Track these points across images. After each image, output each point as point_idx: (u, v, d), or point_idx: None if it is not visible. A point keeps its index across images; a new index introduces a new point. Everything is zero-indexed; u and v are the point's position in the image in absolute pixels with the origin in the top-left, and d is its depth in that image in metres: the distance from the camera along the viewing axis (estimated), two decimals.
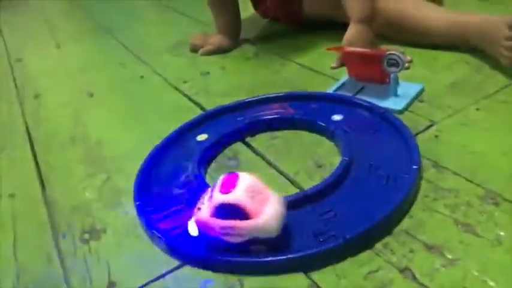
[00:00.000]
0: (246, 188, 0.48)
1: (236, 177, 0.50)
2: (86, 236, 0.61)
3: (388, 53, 0.72)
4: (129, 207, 0.64)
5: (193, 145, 0.74)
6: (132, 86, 1.08)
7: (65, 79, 1.21)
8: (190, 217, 0.53)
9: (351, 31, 0.87)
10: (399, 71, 0.72)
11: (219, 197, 0.49)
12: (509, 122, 0.67)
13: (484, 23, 0.80)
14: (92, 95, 1.06)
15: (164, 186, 0.67)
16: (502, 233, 0.49)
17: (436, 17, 0.89)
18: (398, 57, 0.70)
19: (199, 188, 0.62)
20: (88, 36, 1.58)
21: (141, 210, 0.61)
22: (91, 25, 1.71)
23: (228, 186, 0.49)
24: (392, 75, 0.73)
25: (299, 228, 0.53)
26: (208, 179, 0.68)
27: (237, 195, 0.48)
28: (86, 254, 0.58)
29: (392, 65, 0.72)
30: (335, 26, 0.99)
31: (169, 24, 1.54)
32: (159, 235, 0.56)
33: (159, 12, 1.73)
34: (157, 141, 0.75)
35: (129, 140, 0.84)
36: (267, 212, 0.48)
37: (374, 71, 0.74)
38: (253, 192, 0.49)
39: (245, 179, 0.49)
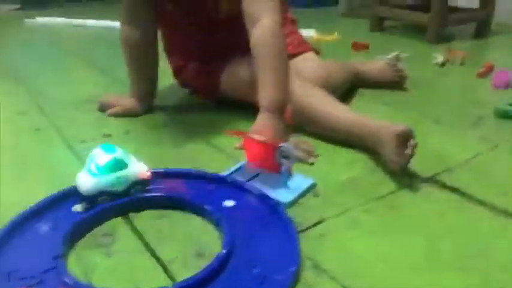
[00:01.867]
0: None
1: None
2: None
3: (280, 145, 0.71)
4: None
5: (66, 216, 0.66)
6: (24, 138, 0.99)
7: None
8: None
9: (260, 119, 0.86)
10: (291, 164, 0.72)
11: None
12: (392, 228, 0.68)
13: (378, 129, 0.83)
14: None
15: (19, 260, 0.58)
16: None
17: (340, 116, 0.92)
18: (290, 150, 0.70)
19: (55, 268, 0.54)
20: None
21: None
22: (1, 67, 1.60)
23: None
24: (283, 167, 0.73)
25: None
26: (73, 257, 0.60)
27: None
28: None
29: (285, 157, 0.72)
30: (251, 106, 0.99)
31: (86, 78, 1.48)
32: None
33: (78, 65, 1.67)
34: (32, 202, 0.67)
35: (3, 195, 0.75)
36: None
37: (268, 160, 0.73)
38: None
39: None
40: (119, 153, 0.71)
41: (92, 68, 1.59)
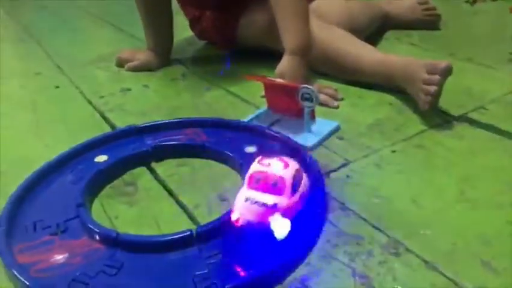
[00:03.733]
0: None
1: None
2: None
3: (302, 86, 0.68)
4: None
5: (88, 166, 0.66)
6: (44, 96, 0.99)
7: None
8: (60, 250, 0.49)
9: (283, 63, 0.83)
10: (313, 106, 0.69)
11: None
12: (422, 168, 0.65)
13: (408, 66, 0.79)
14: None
15: (43, 210, 0.58)
16: None
17: (365, 56, 0.88)
18: (312, 91, 0.67)
19: (78, 216, 0.54)
20: (13, 41, 1.46)
21: (4, 237, 0.52)
22: (20, 30, 1.59)
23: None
24: (306, 110, 0.70)
25: (181, 272, 0.47)
26: (96, 206, 0.60)
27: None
28: None
29: (306, 99, 0.69)
30: (271, 54, 0.96)
31: (102, 37, 1.46)
32: (15, 271, 0.47)
33: (94, 24, 1.65)
34: (55, 155, 0.67)
35: (27, 150, 0.75)
36: None
37: (289, 103, 0.71)
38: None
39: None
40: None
41: (107, 26, 1.57)
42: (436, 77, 0.71)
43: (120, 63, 1.11)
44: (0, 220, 0.55)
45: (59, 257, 0.50)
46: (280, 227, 0.50)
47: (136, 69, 1.08)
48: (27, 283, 0.46)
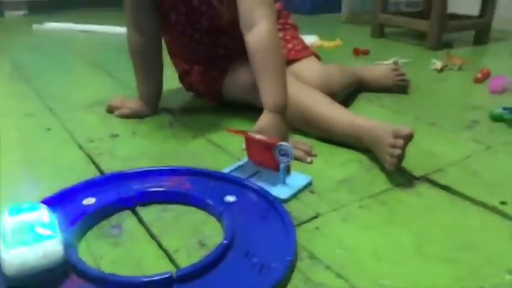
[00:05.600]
0: None
1: None
2: None
3: (278, 143, 0.75)
4: None
5: (77, 208, 0.71)
6: (35, 138, 1.04)
7: None
8: None
9: (263, 120, 0.91)
10: (288, 161, 0.76)
11: None
12: (384, 223, 0.71)
13: (375, 129, 0.87)
14: None
15: None
16: None
17: (338, 118, 0.96)
18: (288, 148, 0.74)
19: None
20: (4, 82, 1.52)
21: None
22: (12, 71, 1.65)
23: None
24: (282, 165, 0.77)
25: None
26: (83, 247, 0.64)
27: None
28: None
29: (283, 155, 0.76)
30: (253, 109, 1.03)
31: (93, 81, 1.52)
32: None
33: (85, 68, 1.72)
34: (43, 198, 0.72)
35: (15, 193, 0.79)
36: None
37: (267, 158, 0.78)
38: None
39: None
40: (35, 204, 0.59)
41: (99, 72, 1.64)
42: (400, 141, 0.80)
43: (111, 110, 1.17)
44: None
45: None
46: None
47: (125, 116, 1.14)
48: None
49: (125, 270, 0.60)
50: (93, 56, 1.90)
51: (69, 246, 0.60)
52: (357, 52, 1.86)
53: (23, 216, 0.56)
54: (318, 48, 1.95)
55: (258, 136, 0.82)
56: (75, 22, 2.54)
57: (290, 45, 1.20)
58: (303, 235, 0.67)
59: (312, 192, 0.80)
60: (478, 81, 1.47)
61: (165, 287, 0.54)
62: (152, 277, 0.55)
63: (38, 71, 1.63)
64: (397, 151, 0.80)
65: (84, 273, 0.56)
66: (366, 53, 1.87)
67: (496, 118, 1.14)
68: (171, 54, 1.25)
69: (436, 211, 0.75)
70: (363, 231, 0.69)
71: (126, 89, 1.36)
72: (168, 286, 0.54)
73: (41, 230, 0.55)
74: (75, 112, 1.19)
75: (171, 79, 1.27)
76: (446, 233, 0.69)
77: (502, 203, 0.76)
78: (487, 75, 1.48)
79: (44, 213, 0.58)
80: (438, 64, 1.62)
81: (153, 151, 0.96)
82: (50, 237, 0.55)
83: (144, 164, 0.86)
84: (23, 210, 0.57)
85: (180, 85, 1.29)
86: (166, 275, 0.55)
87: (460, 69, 1.63)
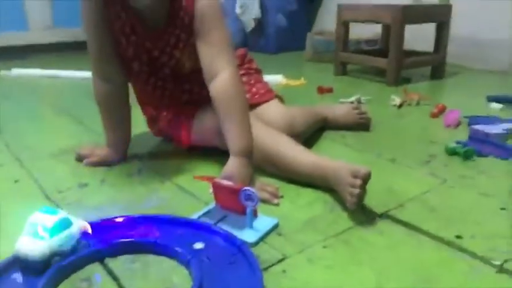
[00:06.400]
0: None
1: None
2: None
3: (244, 188, 0.79)
4: None
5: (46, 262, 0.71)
6: (4, 189, 1.03)
7: None
8: None
9: (230, 164, 0.94)
10: (254, 205, 0.79)
11: None
12: (347, 262, 0.75)
13: (337, 169, 0.92)
14: None
15: None
16: None
17: (303, 159, 1.00)
18: (253, 193, 0.78)
19: None
20: None
21: None
22: None
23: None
24: (248, 209, 0.80)
25: None
26: None
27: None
28: None
29: (248, 199, 0.79)
30: (222, 152, 1.06)
31: (63, 128, 1.53)
32: None
33: (54, 116, 1.72)
34: (11, 252, 0.72)
35: None
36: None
37: (234, 202, 0.80)
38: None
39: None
40: (62, 213, 0.72)
41: (67, 118, 1.65)
42: (358, 181, 0.84)
43: (80, 158, 1.18)
44: None
45: None
46: None
47: (94, 164, 1.15)
48: None
49: None
50: (61, 102, 1.91)
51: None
52: (321, 90, 1.94)
53: (40, 215, 0.71)
54: (283, 87, 2.02)
55: (224, 182, 0.85)
56: (43, 68, 2.55)
57: (254, 89, 1.25)
58: (270, 279, 0.69)
59: (278, 234, 0.83)
60: (434, 116, 1.55)
61: None
62: None
63: (6, 120, 1.62)
64: (356, 191, 0.84)
65: None
66: (329, 90, 1.95)
67: (451, 152, 1.20)
68: (139, 100, 1.28)
69: (396, 248, 0.78)
70: (327, 272, 0.72)
71: (95, 135, 1.37)
72: None
73: (40, 230, 0.69)
74: (44, 161, 1.20)
75: (139, 121, 1.29)
76: (406, 269, 0.72)
77: (458, 236, 0.81)
78: (442, 110, 1.57)
79: (51, 220, 0.70)
80: (397, 100, 1.71)
81: (122, 199, 0.97)
82: (41, 238, 0.69)
83: (113, 213, 0.87)
84: (45, 211, 0.72)
85: (148, 130, 1.32)
86: None
87: (417, 104, 1.72)
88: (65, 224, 0.72)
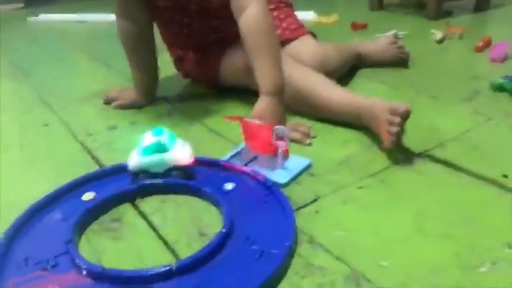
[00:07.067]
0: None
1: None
2: None
3: (275, 127, 0.75)
4: None
5: (76, 204, 0.71)
6: (34, 133, 1.04)
7: None
8: (50, 284, 0.54)
9: (260, 103, 0.90)
10: (286, 145, 0.75)
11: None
12: (384, 202, 0.71)
13: (373, 107, 0.86)
14: None
15: (34, 247, 0.63)
16: None
17: (336, 97, 0.95)
18: (285, 132, 0.74)
19: (67, 252, 0.59)
20: (2, 75, 1.51)
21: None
22: (10, 64, 1.65)
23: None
24: (280, 149, 0.76)
25: None
26: (84, 242, 0.65)
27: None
28: None
29: (280, 139, 0.75)
30: (250, 93, 1.03)
31: (90, 72, 1.52)
32: None
33: (82, 60, 1.71)
34: (44, 194, 0.72)
35: (16, 190, 0.80)
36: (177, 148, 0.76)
37: (265, 142, 0.77)
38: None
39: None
40: (165, 137, 0.76)
41: (95, 62, 1.63)
42: (397, 119, 0.79)
43: (108, 102, 1.16)
44: None
45: None
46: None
47: (123, 107, 1.13)
48: None
49: (126, 263, 0.60)
50: (89, 46, 1.89)
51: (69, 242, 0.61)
52: (355, 27, 1.83)
53: (148, 135, 0.76)
54: (315, 24, 1.92)
55: (254, 121, 0.81)
56: (70, 12, 2.51)
57: (284, 25, 1.18)
58: (302, 219, 0.67)
59: (311, 174, 0.79)
60: (478, 49, 1.44)
61: (166, 279, 0.55)
62: (152, 270, 0.56)
63: (34, 64, 1.62)
64: (395, 129, 0.78)
65: (84, 269, 0.57)
66: (364, 26, 1.84)
67: (496, 88, 1.11)
68: (165, 40, 1.23)
69: (436, 187, 0.74)
70: (362, 212, 0.69)
71: (123, 79, 1.35)
72: (168, 278, 0.55)
73: (138, 148, 0.76)
74: (72, 105, 1.19)
75: (167, 64, 1.26)
76: (446, 209, 0.68)
77: (504, 176, 0.75)
78: (488, 43, 1.45)
79: (148, 141, 0.75)
80: (438, 34, 1.59)
81: None
82: (138, 154, 0.76)
83: None
84: (153, 133, 0.76)
85: (175, 72, 1.28)
86: (166, 268, 0.55)
87: (460, 38, 1.60)
88: (159, 148, 0.75)
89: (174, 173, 0.76)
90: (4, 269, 0.58)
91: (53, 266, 0.59)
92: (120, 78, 1.38)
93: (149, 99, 1.16)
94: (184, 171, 0.76)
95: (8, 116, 1.15)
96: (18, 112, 1.17)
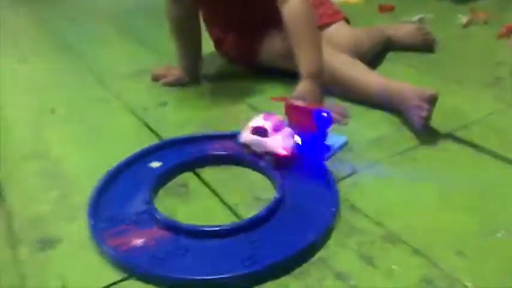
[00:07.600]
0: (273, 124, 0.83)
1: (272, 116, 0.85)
2: (42, 245, 0.68)
3: (317, 109, 0.85)
4: (83, 222, 0.71)
5: (145, 171, 0.83)
6: (92, 108, 1.15)
7: (26, 95, 1.26)
8: (136, 236, 0.66)
9: (301, 86, 0.99)
10: (329, 126, 0.85)
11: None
12: (413, 178, 0.81)
13: (403, 91, 0.95)
14: (53, 113, 1.12)
15: (116, 206, 0.75)
16: (394, 267, 0.61)
17: (369, 80, 1.04)
18: (328, 113, 0.84)
19: (148, 211, 0.71)
20: (52, 54, 1.62)
21: (94, 227, 0.69)
22: (56, 43, 1.75)
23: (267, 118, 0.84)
24: (322, 129, 0.86)
25: (231, 254, 0.63)
26: (156, 204, 0.76)
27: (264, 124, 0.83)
28: (41, 262, 0.65)
29: (321, 119, 0.85)
30: (286, 74, 1.12)
31: (133, 53, 1.61)
32: (108, 250, 0.64)
33: (124, 41, 1.80)
34: (113, 163, 0.83)
35: (86, 160, 0.91)
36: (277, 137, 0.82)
37: (307, 122, 0.87)
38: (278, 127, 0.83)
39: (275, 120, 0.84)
40: (268, 124, 0.83)
41: (132, 41, 1.72)
42: (426, 105, 0.88)
43: (156, 79, 1.27)
44: (89, 216, 0.71)
45: (138, 241, 0.67)
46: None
47: (170, 84, 1.24)
48: (119, 258, 0.63)
49: (197, 221, 0.72)
50: (124, 24, 1.98)
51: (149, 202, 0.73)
52: (382, 9, 1.89)
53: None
54: (342, 3, 1.98)
55: (298, 102, 0.91)
56: None
57: (321, 10, 1.26)
58: (343, 189, 0.77)
59: (348, 151, 0.90)
60: (502, 36, 1.50)
61: (234, 234, 0.66)
62: (222, 226, 0.67)
63: (79, 42, 1.72)
64: (424, 113, 0.88)
65: (166, 224, 0.69)
66: (391, 9, 1.89)
67: None
68: (206, 21, 1.32)
69: (460, 166, 0.84)
70: (394, 185, 0.79)
71: (160, 57, 1.44)
72: (236, 233, 0.66)
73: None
74: (123, 81, 1.30)
75: (209, 44, 1.35)
76: (470, 187, 0.77)
77: None
78: (510, 30, 1.51)
79: (255, 122, 0.84)
80: (464, 19, 1.65)
81: (200, 117, 1.06)
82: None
83: (193, 129, 0.97)
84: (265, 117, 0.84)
85: (215, 51, 1.37)
86: (235, 224, 0.67)
87: (485, 23, 1.65)
88: (260, 132, 0.83)
89: (267, 157, 0.82)
90: (98, 222, 0.70)
91: (136, 222, 0.71)
92: (156, 56, 1.47)
93: (194, 77, 1.26)
94: (277, 159, 0.81)
95: (67, 89, 1.26)
96: (76, 86, 1.28)
